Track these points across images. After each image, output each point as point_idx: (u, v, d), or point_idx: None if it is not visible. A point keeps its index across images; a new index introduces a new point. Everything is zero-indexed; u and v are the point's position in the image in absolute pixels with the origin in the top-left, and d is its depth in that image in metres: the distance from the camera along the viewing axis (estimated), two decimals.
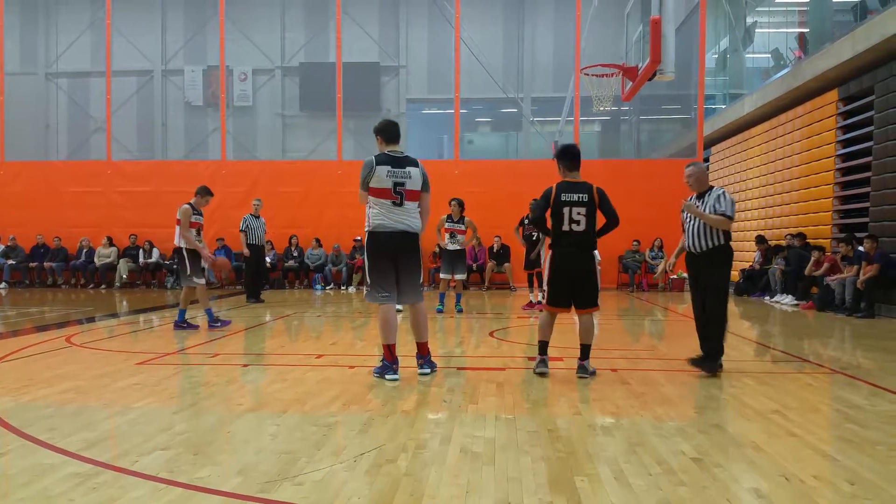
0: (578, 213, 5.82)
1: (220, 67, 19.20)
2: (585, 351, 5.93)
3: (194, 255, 8.97)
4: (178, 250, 9.04)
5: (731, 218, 5.99)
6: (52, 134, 23.16)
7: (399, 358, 5.87)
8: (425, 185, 5.89)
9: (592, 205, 5.85)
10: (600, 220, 5.97)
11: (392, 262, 5.77)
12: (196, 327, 9.05)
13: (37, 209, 18.35)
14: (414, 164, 5.84)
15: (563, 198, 5.84)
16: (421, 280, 6.10)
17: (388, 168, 5.70)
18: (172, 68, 23.07)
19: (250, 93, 22.97)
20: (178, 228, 9.03)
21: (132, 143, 22.25)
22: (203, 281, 9.10)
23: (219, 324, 8.96)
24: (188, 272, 8.94)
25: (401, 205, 5.71)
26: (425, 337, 6.05)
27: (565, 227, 5.86)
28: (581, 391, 5.39)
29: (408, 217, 5.78)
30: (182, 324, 8.94)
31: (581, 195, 5.83)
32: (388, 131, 5.92)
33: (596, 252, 6.03)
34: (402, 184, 5.71)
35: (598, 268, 5.95)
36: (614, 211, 5.94)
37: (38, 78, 23.24)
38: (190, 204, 9.06)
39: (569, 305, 5.98)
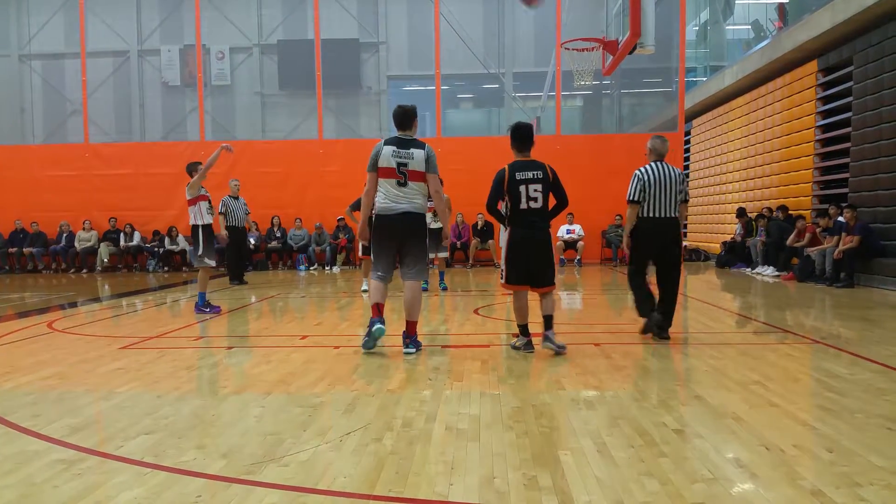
0: (535, 190, 5.81)
1: (196, 46, 18.91)
2: (548, 321, 5.91)
3: (210, 233, 8.87)
4: (195, 228, 8.82)
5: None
6: (27, 117, 22.78)
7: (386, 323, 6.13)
8: (430, 166, 5.99)
9: (548, 181, 5.87)
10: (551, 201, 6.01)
11: (395, 243, 6.01)
12: (218, 309, 9.01)
13: (14, 194, 18.08)
14: (419, 146, 5.99)
15: (518, 176, 5.83)
16: (425, 260, 6.18)
17: (394, 148, 5.93)
18: (148, 48, 22.72)
19: (228, 72, 22.70)
20: (190, 209, 8.79)
21: (110, 125, 21.96)
22: (213, 262, 9.02)
23: (208, 309, 8.89)
24: (200, 251, 8.79)
25: (405, 185, 5.91)
26: (416, 316, 6.10)
27: (523, 206, 5.84)
28: (564, 366, 5.43)
29: (411, 198, 5.94)
30: (203, 307, 8.89)
31: (536, 172, 5.84)
32: (396, 117, 6.11)
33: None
34: (405, 164, 5.90)
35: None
36: (565, 192, 5.98)
37: (11, 60, 22.81)
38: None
39: (527, 283, 5.97)
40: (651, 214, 6.29)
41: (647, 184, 6.26)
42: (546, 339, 5.88)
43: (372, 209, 6.07)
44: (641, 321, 6.61)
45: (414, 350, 5.99)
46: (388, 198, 5.92)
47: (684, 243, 18.65)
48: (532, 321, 6.15)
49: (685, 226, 21.06)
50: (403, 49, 22.81)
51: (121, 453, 3.49)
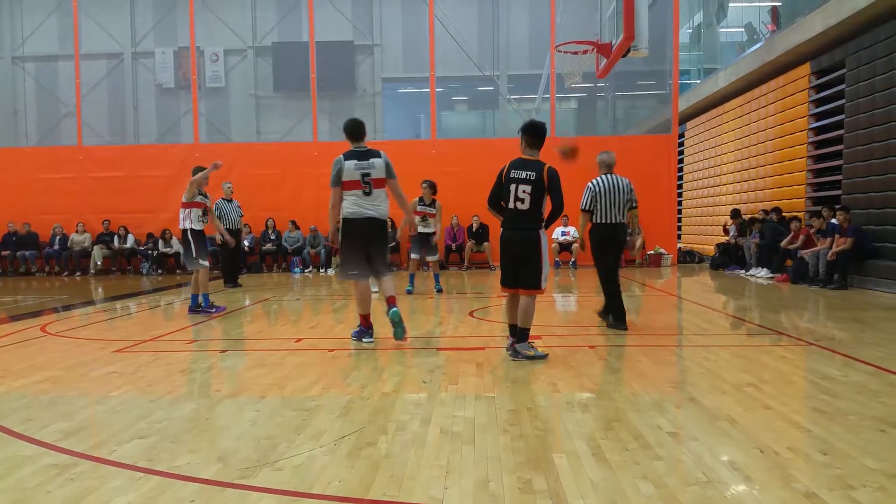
0: (524, 191, 5.69)
1: (190, 48, 18.87)
2: (515, 332, 5.82)
3: (200, 237, 8.87)
4: (184, 232, 8.81)
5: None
6: (20, 120, 22.68)
7: (374, 326, 6.70)
8: (389, 172, 6.47)
9: (540, 184, 5.68)
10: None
11: (362, 245, 6.47)
12: (215, 310, 9.03)
13: (7, 196, 18.01)
14: (377, 155, 6.46)
15: (511, 174, 5.76)
16: (387, 258, 6.77)
17: (355, 161, 6.38)
18: (142, 50, 22.64)
19: (222, 74, 22.63)
20: (182, 211, 8.79)
21: (103, 127, 21.86)
22: (208, 263, 9.04)
23: (213, 309, 8.89)
24: (194, 254, 8.78)
25: (370, 193, 6.38)
26: (392, 293, 6.49)
27: (511, 205, 5.76)
28: (559, 369, 5.43)
29: (376, 205, 6.43)
30: (208, 308, 8.88)
31: (529, 173, 5.70)
32: (349, 131, 6.57)
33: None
34: (368, 174, 6.37)
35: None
36: (561, 197, 5.74)
37: (5, 62, 22.71)
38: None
39: (515, 286, 5.85)
40: (602, 220, 7.18)
41: (597, 194, 7.16)
42: (512, 350, 5.80)
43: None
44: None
45: (398, 321, 6.30)
46: (356, 205, 6.36)
47: (679, 245, 18.68)
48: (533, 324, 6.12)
49: (680, 227, 21.10)
50: (398, 51, 22.78)
51: (114, 458, 3.48)
